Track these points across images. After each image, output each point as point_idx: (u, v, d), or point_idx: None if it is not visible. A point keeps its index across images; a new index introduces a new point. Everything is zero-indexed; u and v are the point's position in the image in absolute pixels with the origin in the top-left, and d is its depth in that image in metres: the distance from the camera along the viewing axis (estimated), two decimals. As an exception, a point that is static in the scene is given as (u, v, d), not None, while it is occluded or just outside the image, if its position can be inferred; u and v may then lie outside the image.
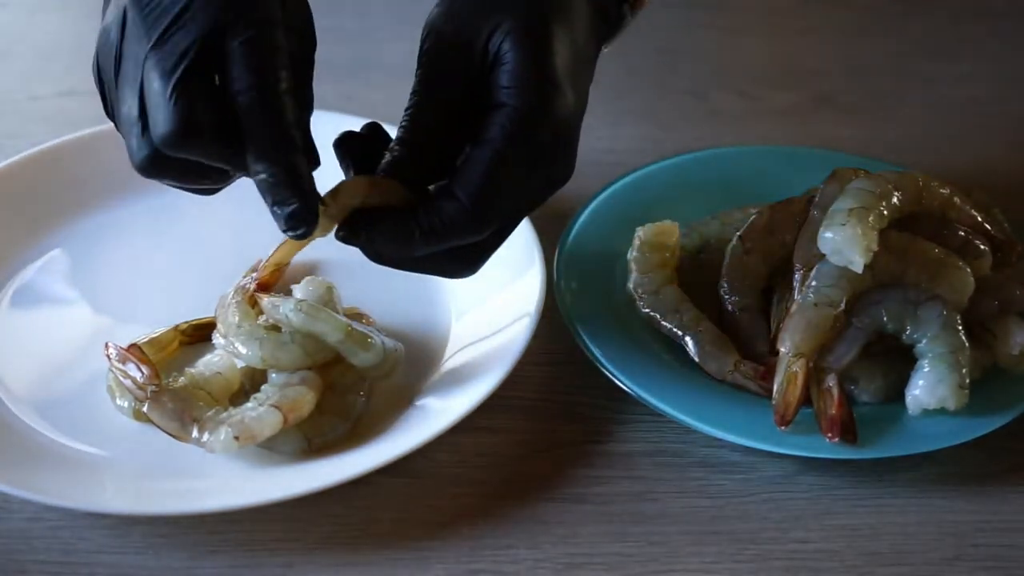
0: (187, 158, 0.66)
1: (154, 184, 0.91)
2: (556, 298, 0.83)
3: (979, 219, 0.82)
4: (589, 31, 0.73)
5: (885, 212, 0.78)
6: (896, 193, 0.80)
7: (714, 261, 0.84)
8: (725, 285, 0.82)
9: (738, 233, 0.83)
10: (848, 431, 0.75)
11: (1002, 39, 1.16)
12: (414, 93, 0.70)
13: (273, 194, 0.66)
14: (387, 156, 0.70)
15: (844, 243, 0.76)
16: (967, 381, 0.76)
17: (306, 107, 0.70)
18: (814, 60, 1.13)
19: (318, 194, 0.67)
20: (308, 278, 0.80)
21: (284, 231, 0.67)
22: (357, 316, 0.81)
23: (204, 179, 0.69)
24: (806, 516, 0.75)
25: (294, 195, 0.66)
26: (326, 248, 0.85)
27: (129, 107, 0.66)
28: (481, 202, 0.68)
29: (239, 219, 0.91)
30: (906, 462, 0.77)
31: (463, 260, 0.72)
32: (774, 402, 0.76)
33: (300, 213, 0.66)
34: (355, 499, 0.74)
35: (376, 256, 0.70)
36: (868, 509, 0.76)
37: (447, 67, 0.70)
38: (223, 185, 0.71)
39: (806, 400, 0.77)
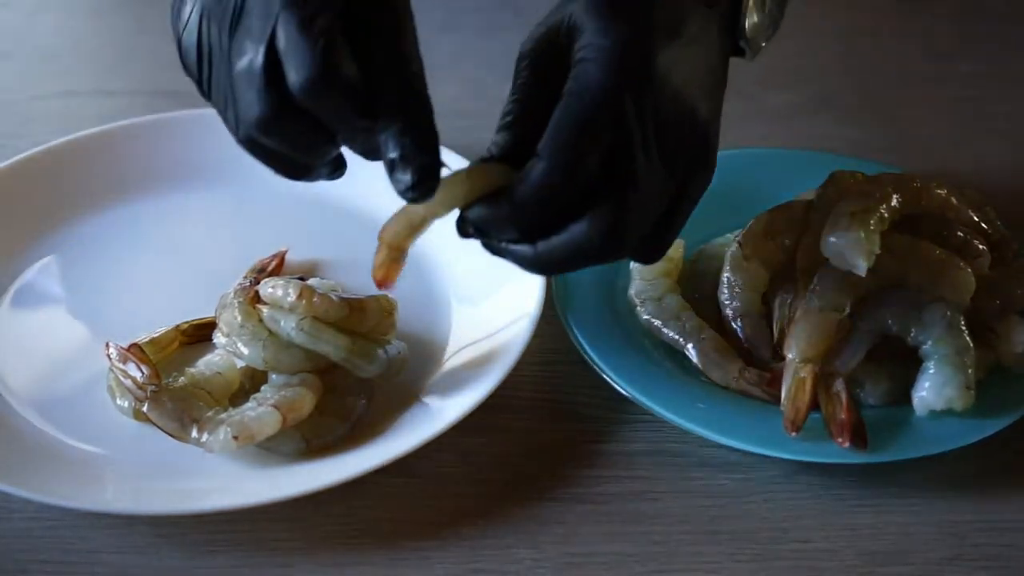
0: (310, 116, 0.66)
1: (154, 184, 0.92)
2: (555, 303, 0.82)
3: (975, 218, 0.82)
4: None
5: (886, 215, 0.78)
6: (895, 195, 0.80)
7: (710, 271, 0.84)
8: (725, 291, 0.82)
9: (736, 238, 0.83)
10: (859, 435, 0.75)
11: (1002, 39, 1.16)
12: (513, 92, 0.71)
13: (402, 148, 0.66)
14: (488, 149, 0.71)
15: (847, 247, 0.76)
16: (973, 381, 0.76)
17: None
18: (814, 60, 1.13)
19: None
20: (314, 279, 0.80)
21: (407, 189, 0.66)
22: (383, 303, 0.79)
23: (307, 152, 0.68)
24: (806, 516, 0.75)
25: (424, 151, 0.66)
26: (326, 248, 0.85)
27: (251, 60, 0.66)
28: (557, 152, 0.67)
29: (239, 219, 0.91)
30: (906, 462, 0.77)
31: (616, 236, 0.70)
32: (783, 408, 0.76)
33: (428, 168, 0.66)
34: (355, 499, 0.74)
35: (530, 258, 0.70)
36: (868, 509, 0.76)
37: (541, 63, 0.71)
38: (315, 165, 0.70)
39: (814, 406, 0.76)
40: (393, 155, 0.66)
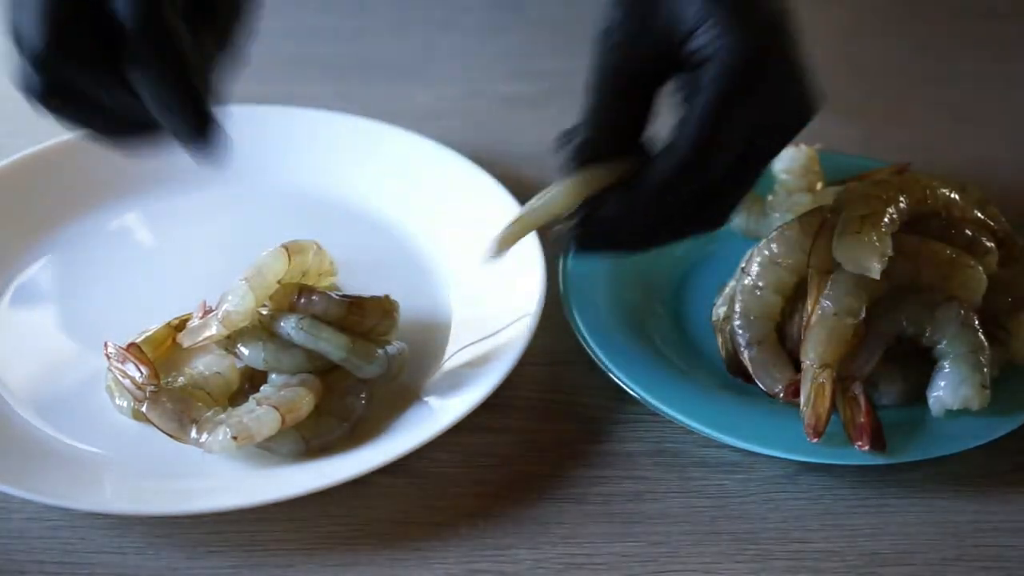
0: (64, 78, 0.61)
1: (153, 183, 0.92)
2: (562, 301, 0.82)
3: (980, 216, 0.82)
4: None
5: (895, 216, 0.78)
6: (902, 196, 0.79)
7: None
8: (739, 321, 0.79)
9: (743, 268, 0.80)
10: (878, 439, 0.75)
11: (1002, 39, 1.16)
12: (595, 76, 0.70)
13: (159, 101, 0.62)
14: (572, 142, 0.70)
15: (860, 251, 0.76)
16: (989, 380, 0.76)
17: (220, 55, 0.65)
18: (814, 60, 1.12)
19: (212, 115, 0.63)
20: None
21: (186, 143, 0.63)
22: (384, 303, 0.79)
23: (92, 112, 0.64)
24: (806, 516, 0.75)
25: (180, 101, 0.62)
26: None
27: (14, 24, 0.62)
28: (700, 143, 0.67)
29: (239, 219, 0.91)
30: (907, 462, 0.77)
31: (706, 212, 0.71)
32: (802, 415, 0.75)
33: (189, 120, 0.62)
34: (355, 499, 0.74)
35: (613, 238, 0.71)
36: (869, 509, 0.76)
37: (635, 51, 0.69)
38: (123, 133, 0.65)
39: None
40: (156, 112, 0.62)
